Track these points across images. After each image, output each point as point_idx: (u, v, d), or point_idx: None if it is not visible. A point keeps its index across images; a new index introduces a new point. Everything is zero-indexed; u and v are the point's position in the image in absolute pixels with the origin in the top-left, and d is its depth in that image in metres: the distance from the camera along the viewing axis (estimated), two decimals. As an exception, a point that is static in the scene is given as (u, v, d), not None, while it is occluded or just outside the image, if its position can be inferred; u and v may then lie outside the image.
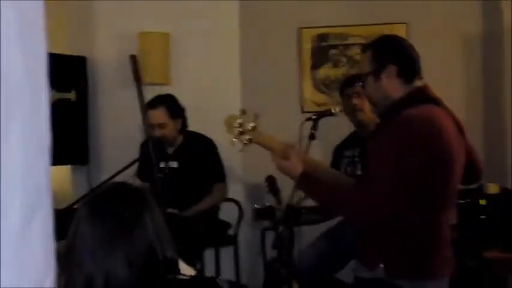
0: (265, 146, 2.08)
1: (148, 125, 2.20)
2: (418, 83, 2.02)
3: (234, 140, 2.04)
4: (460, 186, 2.10)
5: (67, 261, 1.31)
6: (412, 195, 1.85)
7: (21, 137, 0.89)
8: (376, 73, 1.98)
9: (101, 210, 1.32)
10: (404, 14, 4.02)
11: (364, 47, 2.07)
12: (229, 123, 2.02)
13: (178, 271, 1.37)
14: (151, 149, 2.03)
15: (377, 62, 1.99)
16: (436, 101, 1.99)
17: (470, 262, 3.16)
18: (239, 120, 2.01)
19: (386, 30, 3.74)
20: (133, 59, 1.99)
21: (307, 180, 2.00)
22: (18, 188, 0.88)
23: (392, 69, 1.97)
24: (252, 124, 2.03)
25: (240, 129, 2.01)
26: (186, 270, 2.11)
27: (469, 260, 3.16)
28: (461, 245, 3.19)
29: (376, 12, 4.02)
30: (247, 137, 2.02)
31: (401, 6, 4.04)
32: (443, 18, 4.01)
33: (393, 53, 2.01)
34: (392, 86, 1.97)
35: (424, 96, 1.98)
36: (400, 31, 3.97)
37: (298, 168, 2.00)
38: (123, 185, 1.43)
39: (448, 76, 4.00)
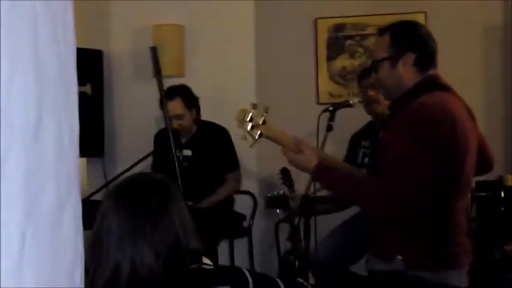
0: (276, 141, 2.06)
1: (169, 116, 2.18)
2: (430, 72, 1.98)
3: (245, 135, 2.01)
4: (475, 178, 2.07)
5: (94, 250, 1.31)
6: (428, 183, 1.82)
7: (55, 128, 0.89)
8: (393, 59, 1.94)
9: (126, 201, 1.33)
10: (423, 3, 3.96)
11: (381, 30, 1.99)
12: (239, 118, 1.99)
13: (201, 261, 1.37)
14: (173, 140, 2.03)
15: (395, 48, 1.93)
16: (448, 89, 1.96)
17: (491, 255, 3.11)
18: (250, 114, 1.99)
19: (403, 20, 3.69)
20: (153, 50, 1.97)
21: (324, 171, 1.97)
22: (51, 178, 0.88)
23: (410, 57, 1.93)
24: (262, 118, 2.00)
25: (251, 123, 1.99)
26: (205, 260, 2.11)
27: (489, 252, 3.11)
28: (481, 238, 3.16)
29: (393, 2, 3.96)
30: (258, 131, 2.00)
31: (419, -5, 3.98)
32: (462, 8, 3.94)
33: (413, 40, 1.95)
34: (408, 74, 1.94)
35: (436, 84, 1.95)
36: (418, 20, 3.92)
37: (312, 161, 1.97)
38: (148, 175, 1.43)
39: (467, 66, 3.93)
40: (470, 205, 2.24)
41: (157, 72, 2.00)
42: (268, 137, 2.03)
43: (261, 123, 2.00)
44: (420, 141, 1.81)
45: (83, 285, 0.96)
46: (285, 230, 3.23)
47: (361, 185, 1.94)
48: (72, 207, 0.95)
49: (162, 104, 1.98)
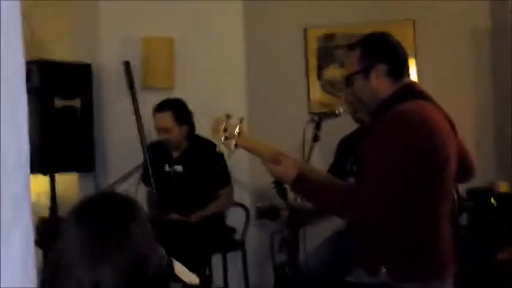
0: (253, 152, 2.05)
1: (143, 129, 2.17)
2: (405, 80, 1.99)
3: (221, 144, 2.01)
4: (467, 185, 2.06)
5: (55, 271, 1.29)
6: (407, 192, 1.82)
7: None
8: (365, 72, 1.96)
9: (87, 219, 1.31)
10: (411, 10, 3.97)
11: (351, 45, 2.04)
12: (214, 128, 1.99)
13: (169, 281, 1.35)
14: (146, 155, 2.01)
15: (366, 61, 1.96)
16: (424, 96, 1.98)
17: (483, 263, 3.09)
18: (223, 125, 1.98)
19: (393, 28, 3.68)
20: (127, 65, 1.99)
21: (303, 182, 1.97)
22: None
23: (381, 68, 1.96)
24: (237, 129, 2.00)
25: (225, 134, 1.98)
26: (188, 276, 2.08)
27: (481, 260, 3.10)
28: (473, 246, 3.14)
29: (382, 10, 3.97)
30: (233, 142, 1.99)
31: (407, 3, 3.98)
32: (451, 15, 3.95)
33: (382, 51, 1.99)
34: (381, 85, 1.96)
35: (412, 92, 1.97)
36: (407, 28, 3.93)
37: (291, 171, 1.97)
38: (111, 194, 1.41)
39: (456, 73, 3.94)
40: (457, 212, 2.23)
41: (131, 86, 2.00)
42: (244, 148, 2.02)
43: (236, 133, 1.99)
44: (397, 146, 1.82)
45: None
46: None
47: (337, 193, 1.94)
48: (20, 234, 0.93)
49: (137, 117, 1.97)
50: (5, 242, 0.92)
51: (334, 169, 3.04)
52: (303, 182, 1.97)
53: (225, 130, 1.98)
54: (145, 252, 1.29)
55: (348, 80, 2.02)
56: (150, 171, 1.95)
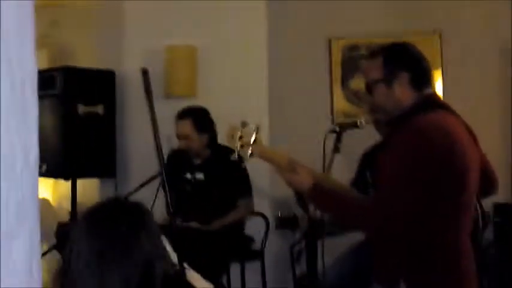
0: (268, 160, 2.02)
1: (159, 137, 2.16)
2: (427, 91, 1.97)
3: (237, 151, 1.98)
4: (494, 200, 2.01)
5: (65, 276, 1.30)
6: (427, 205, 1.79)
7: (5, 153, 0.87)
8: (388, 80, 1.93)
9: (96, 227, 1.31)
10: (438, 22, 3.91)
11: (373, 53, 2.01)
12: (229, 135, 1.97)
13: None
14: (162, 163, 2.00)
15: (389, 69, 1.94)
16: (446, 107, 1.96)
17: (508, 278, 3.01)
18: (239, 133, 1.96)
19: (419, 39, 3.64)
20: (145, 72, 2.00)
21: (319, 192, 1.94)
22: None
23: (404, 76, 1.93)
24: (253, 137, 1.97)
25: (240, 143, 1.95)
26: (203, 284, 2.06)
27: (506, 276, 3.01)
28: (499, 262, 3.05)
29: (408, 21, 3.92)
30: (248, 151, 1.96)
31: (434, 15, 3.93)
32: (478, 26, 3.88)
33: (406, 60, 1.97)
34: (404, 94, 1.93)
35: (433, 103, 1.95)
36: (433, 40, 3.87)
37: (307, 181, 1.94)
38: (120, 201, 1.41)
39: (483, 84, 3.86)
40: (480, 227, 2.17)
41: (148, 94, 2.01)
42: (260, 157, 1.99)
43: (251, 142, 1.96)
44: (417, 157, 1.78)
45: None
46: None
47: (357, 207, 1.90)
48: (25, 234, 0.92)
49: (153, 124, 1.97)
50: (9, 241, 0.91)
51: (356, 182, 2.99)
52: (318, 191, 1.94)
53: (241, 138, 1.96)
54: (153, 260, 1.29)
55: (369, 88, 1.99)
56: (163, 179, 1.94)
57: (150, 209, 2.58)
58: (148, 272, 1.27)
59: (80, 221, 1.36)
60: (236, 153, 1.97)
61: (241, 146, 1.96)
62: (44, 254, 2.53)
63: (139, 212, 1.35)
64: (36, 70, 1.00)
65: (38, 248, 0.96)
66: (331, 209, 2.00)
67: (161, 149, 1.89)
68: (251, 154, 1.97)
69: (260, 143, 2.01)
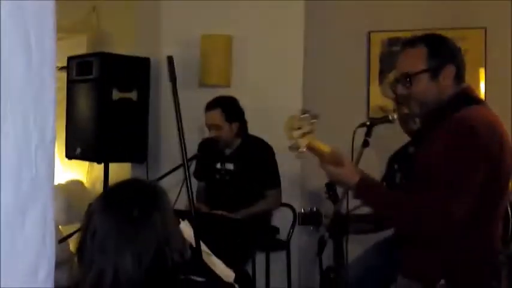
0: (317, 152, 1.95)
1: (182, 126, 2.16)
2: (463, 84, 1.91)
3: (292, 145, 1.92)
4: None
5: (80, 255, 1.31)
6: (482, 205, 1.76)
7: (16, 136, 0.88)
8: (434, 71, 1.85)
9: (111, 207, 1.33)
10: (483, 18, 3.78)
11: (413, 42, 1.90)
12: (289, 127, 1.90)
13: (190, 274, 1.34)
14: (184, 152, 1.99)
15: (436, 60, 1.86)
16: (482, 102, 1.91)
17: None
18: (299, 123, 1.89)
19: (463, 35, 3.53)
20: (170, 60, 2.00)
21: (368, 188, 1.88)
22: (11, 179, 0.87)
23: (452, 69, 1.87)
24: (310, 126, 1.90)
25: (299, 132, 1.89)
26: (224, 271, 2.05)
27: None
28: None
29: (451, 16, 3.80)
30: (305, 141, 1.89)
31: (478, 10, 3.80)
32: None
33: (451, 52, 1.90)
34: (448, 87, 1.87)
35: (470, 97, 1.89)
36: (478, 36, 3.75)
37: (354, 175, 1.88)
38: (137, 182, 1.42)
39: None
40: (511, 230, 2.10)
41: (173, 81, 2.00)
42: (312, 148, 1.92)
43: (308, 131, 1.90)
44: (471, 162, 1.74)
45: (49, 283, 0.95)
46: (329, 245, 3.13)
47: (410, 204, 1.81)
48: (38, 208, 0.94)
49: (177, 113, 1.97)
50: (21, 214, 0.94)
51: (384, 181, 2.93)
52: (368, 186, 1.88)
53: (299, 128, 1.90)
54: (164, 242, 1.29)
55: (409, 79, 1.88)
56: (185, 166, 1.93)
57: (177, 194, 2.62)
58: (160, 252, 1.27)
59: (96, 200, 1.38)
60: (292, 144, 1.90)
61: (302, 135, 1.89)
62: (74, 233, 2.57)
63: (154, 193, 1.35)
64: (55, 51, 1.01)
65: (51, 223, 0.98)
66: (380, 206, 1.92)
67: (183, 137, 1.88)
68: (307, 145, 1.90)
69: (314, 134, 1.93)
